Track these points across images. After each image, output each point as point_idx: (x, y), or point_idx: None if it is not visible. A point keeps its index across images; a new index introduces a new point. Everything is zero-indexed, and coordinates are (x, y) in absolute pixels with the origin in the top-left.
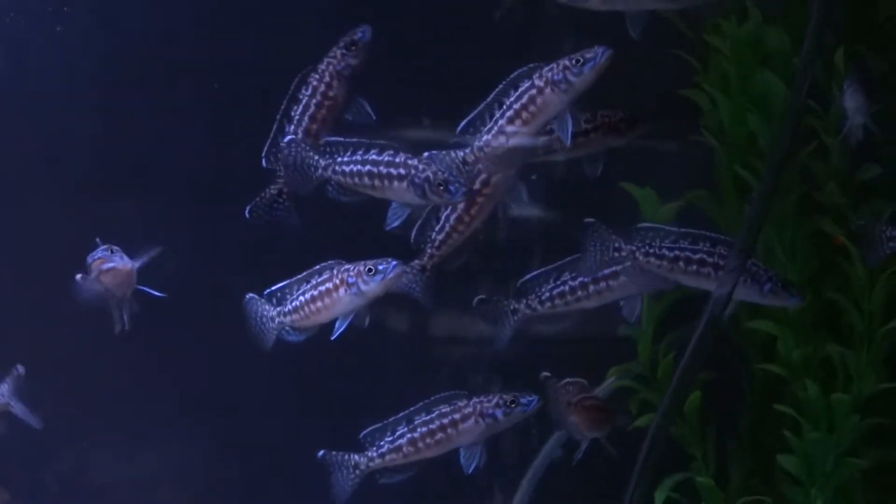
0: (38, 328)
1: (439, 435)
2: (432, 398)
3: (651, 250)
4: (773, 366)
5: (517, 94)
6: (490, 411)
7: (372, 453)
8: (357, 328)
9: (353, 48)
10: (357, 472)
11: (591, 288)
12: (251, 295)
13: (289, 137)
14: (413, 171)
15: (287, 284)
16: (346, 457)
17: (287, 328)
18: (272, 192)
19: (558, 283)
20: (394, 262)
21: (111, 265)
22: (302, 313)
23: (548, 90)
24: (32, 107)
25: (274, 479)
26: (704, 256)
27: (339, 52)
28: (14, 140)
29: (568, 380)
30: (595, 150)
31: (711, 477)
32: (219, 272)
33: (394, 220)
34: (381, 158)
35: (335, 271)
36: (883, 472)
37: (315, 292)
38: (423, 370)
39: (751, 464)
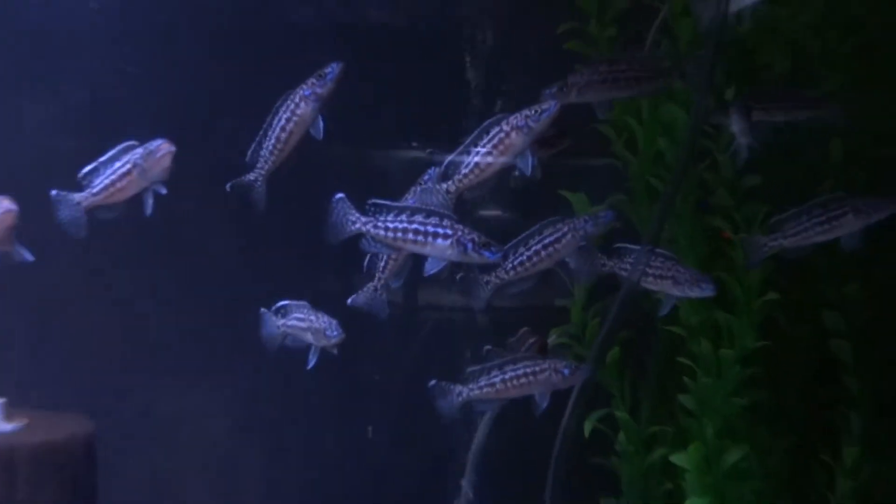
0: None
1: (523, 380)
2: (518, 355)
3: (624, 265)
4: (675, 328)
5: (489, 136)
6: (561, 369)
7: (473, 385)
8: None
9: (321, 79)
10: (460, 398)
11: (543, 253)
12: (264, 310)
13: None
14: (460, 233)
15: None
16: (452, 386)
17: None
18: (251, 177)
19: (517, 255)
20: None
21: (13, 207)
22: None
23: (513, 133)
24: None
25: (303, 414)
26: (664, 271)
27: (310, 80)
28: None
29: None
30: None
31: (627, 412)
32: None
33: (431, 269)
34: (427, 220)
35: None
36: (757, 409)
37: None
38: (405, 334)
39: (658, 402)
